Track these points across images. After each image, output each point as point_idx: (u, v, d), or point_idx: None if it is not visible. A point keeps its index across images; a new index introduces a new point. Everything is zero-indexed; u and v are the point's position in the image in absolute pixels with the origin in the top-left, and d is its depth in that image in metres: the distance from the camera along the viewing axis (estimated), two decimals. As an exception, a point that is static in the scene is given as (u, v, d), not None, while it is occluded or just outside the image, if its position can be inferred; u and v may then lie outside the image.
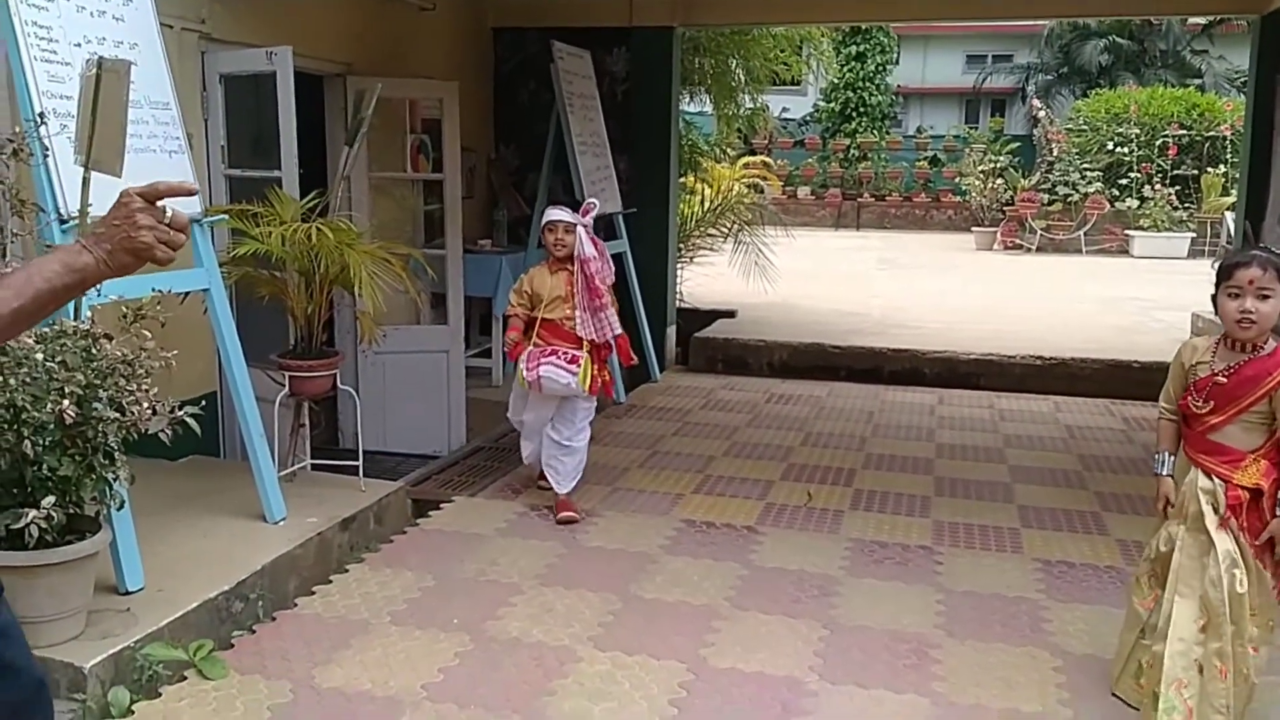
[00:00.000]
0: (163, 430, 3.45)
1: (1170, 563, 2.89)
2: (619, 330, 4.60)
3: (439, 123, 6.12)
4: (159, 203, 1.56)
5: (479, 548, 4.23)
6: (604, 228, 7.23)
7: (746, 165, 16.63)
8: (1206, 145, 18.01)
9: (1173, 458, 2.99)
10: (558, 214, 4.57)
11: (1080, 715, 3.01)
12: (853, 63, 23.78)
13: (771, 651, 3.34)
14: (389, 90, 5.50)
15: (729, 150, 14.79)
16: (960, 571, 4.05)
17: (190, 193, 1.65)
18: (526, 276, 4.69)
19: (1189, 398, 2.88)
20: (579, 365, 4.47)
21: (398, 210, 6.57)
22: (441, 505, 4.77)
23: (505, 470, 5.32)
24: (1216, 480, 2.82)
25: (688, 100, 9.93)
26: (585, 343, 4.51)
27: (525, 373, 4.46)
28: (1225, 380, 2.79)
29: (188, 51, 4.65)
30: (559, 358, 4.47)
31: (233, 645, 3.29)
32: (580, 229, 4.50)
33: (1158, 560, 2.97)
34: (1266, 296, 2.71)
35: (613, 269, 4.65)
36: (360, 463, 4.65)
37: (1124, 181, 18.05)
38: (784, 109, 24.32)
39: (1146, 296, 11.39)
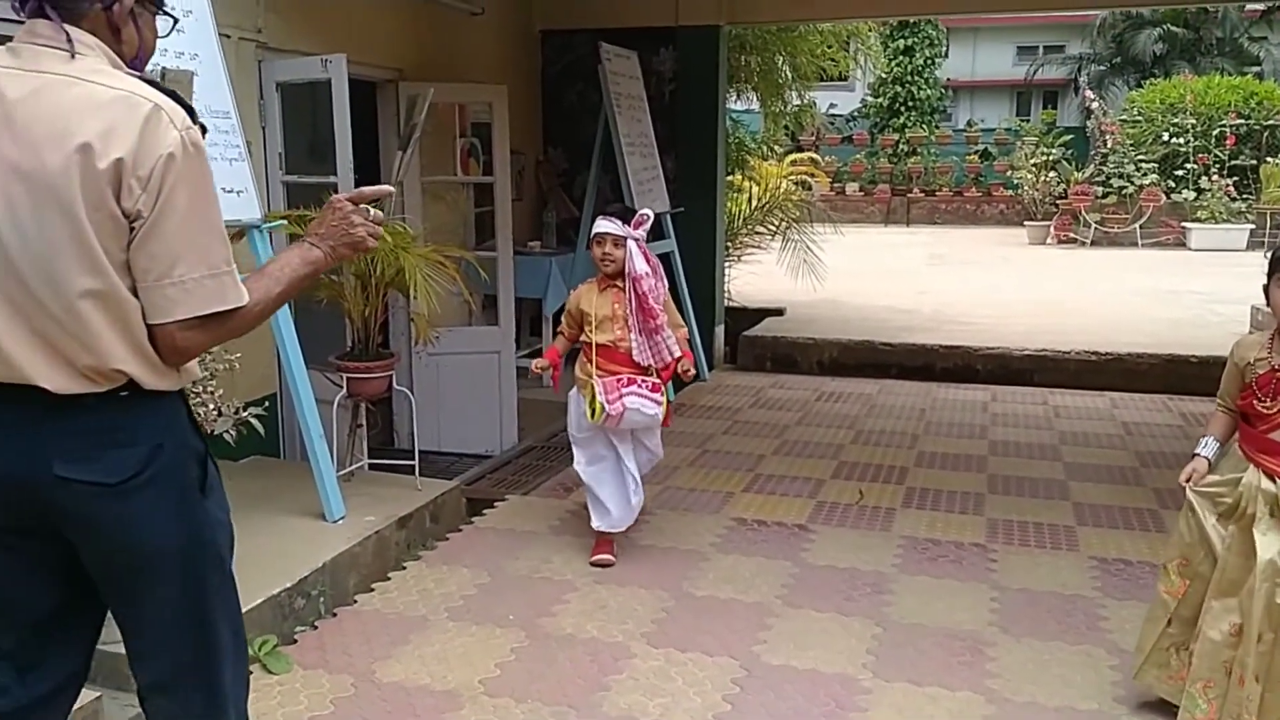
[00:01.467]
0: (227, 431, 3.56)
1: (1197, 552, 2.84)
2: (678, 352, 4.06)
3: (488, 126, 6.20)
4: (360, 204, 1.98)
5: (532, 545, 4.29)
6: (652, 227, 7.25)
7: (794, 162, 16.59)
8: (1265, 134, 17.59)
9: (1218, 444, 2.93)
10: (607, 225, 4.03)
11: (1137, 714, 2.98)
12: (901, 57, 23.59)
13: (824, 649, 3.35)
14: (440, 95, 5.59)
15: (776, 148, 14.75)
16: (1015, 569, 4.02)
17: (387, 194, 2.09)
18: (574, 295, 4.22)
19: (1252, 397, 2.80)
20: (661, 394, 4.02)
21: (449, 213, 6.66)
22: (495, 504, 4.84)
23: (557, 469, 5.38)
24: (1277, 483, 2.73)
25: (734, 98, 9.92)
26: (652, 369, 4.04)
27: (606, 405, 3.89)
28: None
29: (245, 60, 4.76)
30: (641, 387, 3.97)
31: (295, 640, 3.37)
32: (631, 243, 3.98)
33: (1187, 549, 2.89)
34: None
35: (665, 284, 4.10)
36: (416, 462, 4.74)
37: (1180, 173, 17.68)
38: (831, 105, 24.17)
39: (1204, 289, 11.16)
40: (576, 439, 4.20)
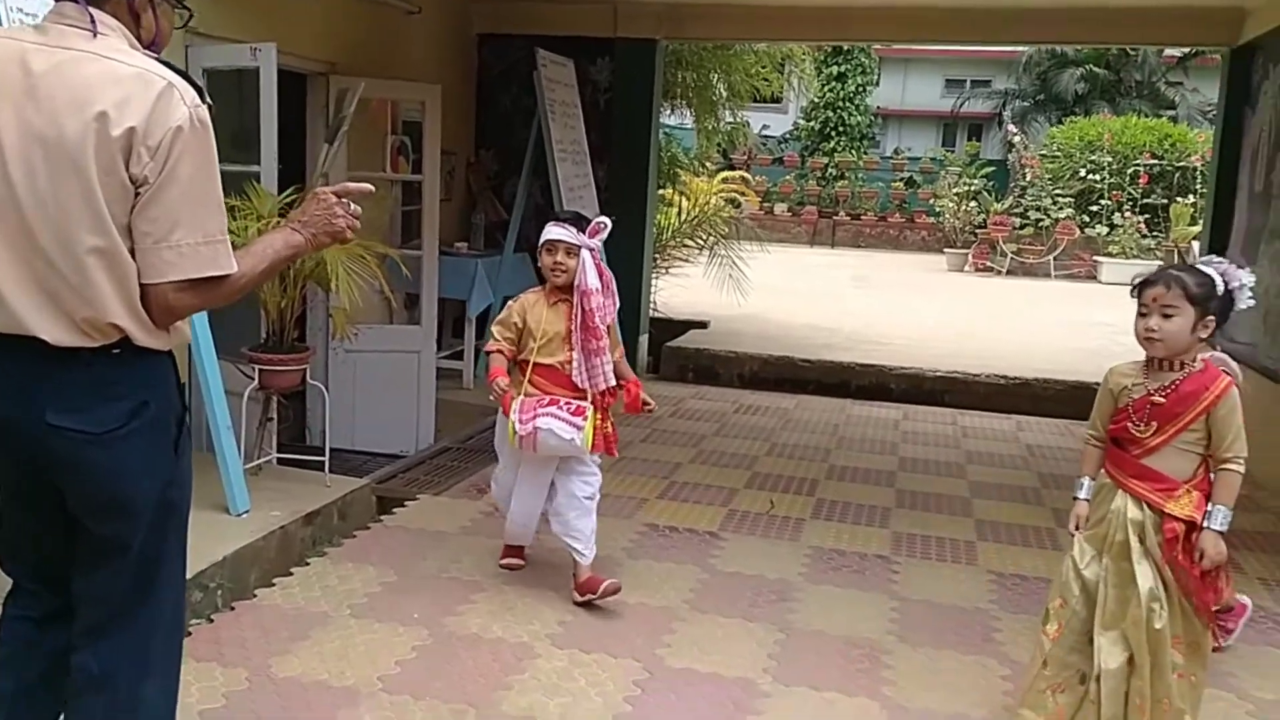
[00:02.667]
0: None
1: (1072, 591, 2.88)
2: (613, 381, 3.72)
3: (420, 125, 6.16)
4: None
5: (442, 545, 4.26)
6: (579, 235, 7.29)
7: (725, 180, 16.78)
8: (1177, 175, 18.34)
9: (1092, 483, 2.98)
10: (559, 232, 3.62)
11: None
12: (833, 82, 24.07)
13: (726, 653, 3.39)
14: (371, 91, 5.55)
15: (708, 165, 14.91)
16: (916, 581, 4.12)
17: (369, 192, 2.18)
18: (517, 305, 3.77)
19: (1127, 421, 2.85)
20: (584, 418, 3.60)
21: (375, 210, 6.58)
22: (406, 503, 4.79)
23: (472, 471, 5.35)
24: (1147, 511, 2.80)
25: (669, 113, 10.02)
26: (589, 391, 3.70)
27: (518, 426, 3.56)
28: (1164, 400, 2.79)
29: (173, 45, 4.66)
30: (561, 408, 3.61)
31: (189, 634, 3.29)
32: (585, 253, 3.59)
33: (1063, 588, 2.92)
34: (1170, 315, 2.74)
35: (616, 303, 3.76)
36: (326, 458, 4.69)
37: (1095, 208, 18.35)
38: (764, 126, 24.54)
39: (1111, 321, 11.54)
40: (497, 489, 4.02)
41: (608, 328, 3.70)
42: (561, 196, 6.82)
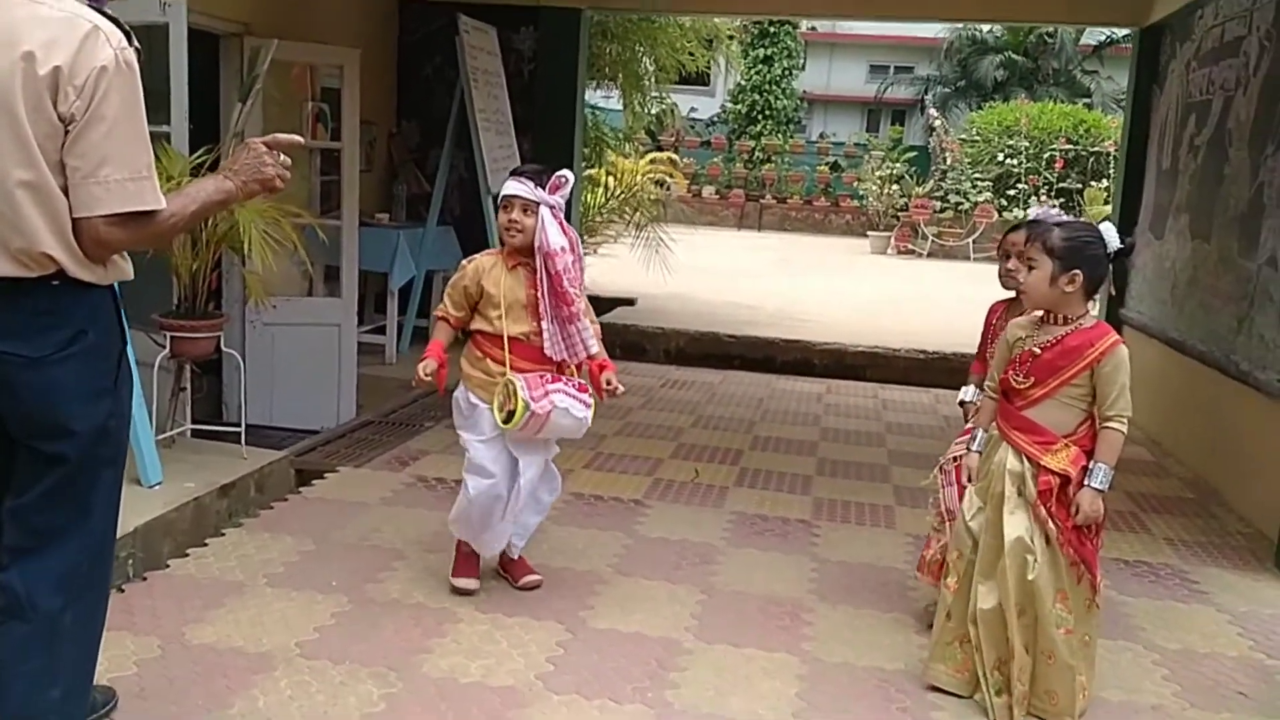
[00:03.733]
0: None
1: (965, 544, 2.96)
2: (595, 349, 3.37)
3: (339, 93, 6.02)
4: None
5: (362, 515, 4.19)
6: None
7: (653, 161, 16.80)
8: (1091, 160, 18.88)
9: (985, 435, 3.08)
10: (515, 186, 3.26)
11: (940, 674, 3.15)
12: (760, 65, 24.22)
13: (650, 614, 3.40)
14: (288, 54, 5.40)
15: (637, 146, 14.91)
16: (836, 543, 4.19)
17: (299, 144, 2.30)
18: (471, 266, 3.37)
19: (1010, 372, 2.93)
20: (590, 395, 3.34)
21: (293, 178, 6.41)
22: (326, 475, 4.70)
23: (394, 444, 5.27)
24: (1026, 463, 2.86)
25: (595, 87, 9.98)
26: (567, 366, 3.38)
27: (532, 403, 3.16)
28: (1042, 352, 2.85)
29: (73, -2, 4.49)
30: (569, 384, 3.28)
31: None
32: (545, 210, 3.23)
33: (959, 541, 3.01)
34: (1031, 267, 2.83)
35: (584, 265, 3.40)
36: (243, 429, 4.58)
37: (1012, 192, 18.80)
38: (692, 109, 24.62)
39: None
40: (473, 446, 3.39)
41: (580, 290, 3.34)
42: (486, 168, 6.75)
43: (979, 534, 2.95)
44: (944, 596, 3.06)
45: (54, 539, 2.11)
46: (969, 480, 3.08)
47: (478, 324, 3.35)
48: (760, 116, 24.27)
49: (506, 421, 3.18)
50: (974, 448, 3.10)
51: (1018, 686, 2.87)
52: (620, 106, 11.29)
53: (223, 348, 4.57)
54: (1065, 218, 3.10)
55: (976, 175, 19.10)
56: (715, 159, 22.96)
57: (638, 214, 10.80)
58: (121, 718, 2.62)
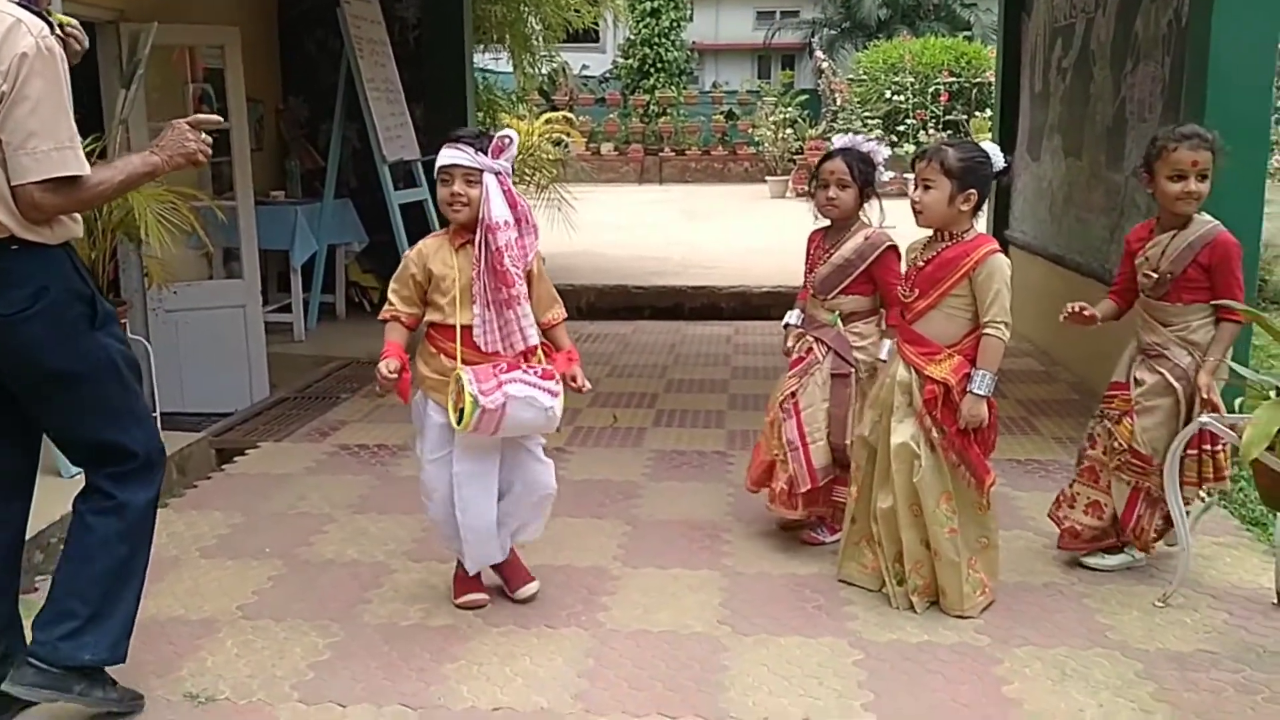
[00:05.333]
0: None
1: (862, 454, 3.20)
2: (534, 340, 2.98)
3: (221, 72, 5.95)
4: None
5: (288, 486, 4.26)
6: (403, 176, 7.22)
7: (548, 121, 16.76)
8: (974, 91, 19.40)
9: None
10: (454, 155, 2.89)
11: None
12: (648, 19, 24.21)
13: (577, 548, 3.57)
14: (167, 37, 5.31)
15: (531, 107, 14.85)
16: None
17: (220, 124, 2.64)
18: (414, 253, 3.03)
19: (899, 288, 3.16)
20: (557, 382, 2.94)
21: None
22: (247, 451, 4.75)
23: (313, 417, 5.32)
24: (913, 373, 3.06)
25: (482, 50, 9.93)
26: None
27: (481, 398, 2.77)
28: (925, 265, 3.07)
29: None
30: (528, 372, 2.89)
31: (37, 589, 3.23)
32: (489, 179, 2.88)
33: (856, 454, 3.26)
34: (929, 187, 3.03)
35: (536, 241, 3.02)
36: (157, 414, 4.57)
37: (901, 128, 19.23)
38: (584, 66, 24.51)
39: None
40: (429, 461, 3.04)
41: (528, 275, 2.97)
42: (379, 138, 6.75)
43: (875, 444, 3.18)
44: (849, 504, 3.29)
45: (98, 454, 2.50)
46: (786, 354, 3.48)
47: (430, 315, 2.99)
48: (652, 70, 24.30)
49: (459, 422, 2.81)
50: (881, 356, 3.37)
51: (915, 578, 3.12)
52: (510, 68, 11.25)
53: (128, 336, 4.54)
54: (871, 142, 3.41)
55: (866, 114, 19.48)
56: (611, 115, 22.94)
57: (538, 174, 10.82)
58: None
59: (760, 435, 3.67)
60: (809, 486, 3.43)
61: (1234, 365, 2.93)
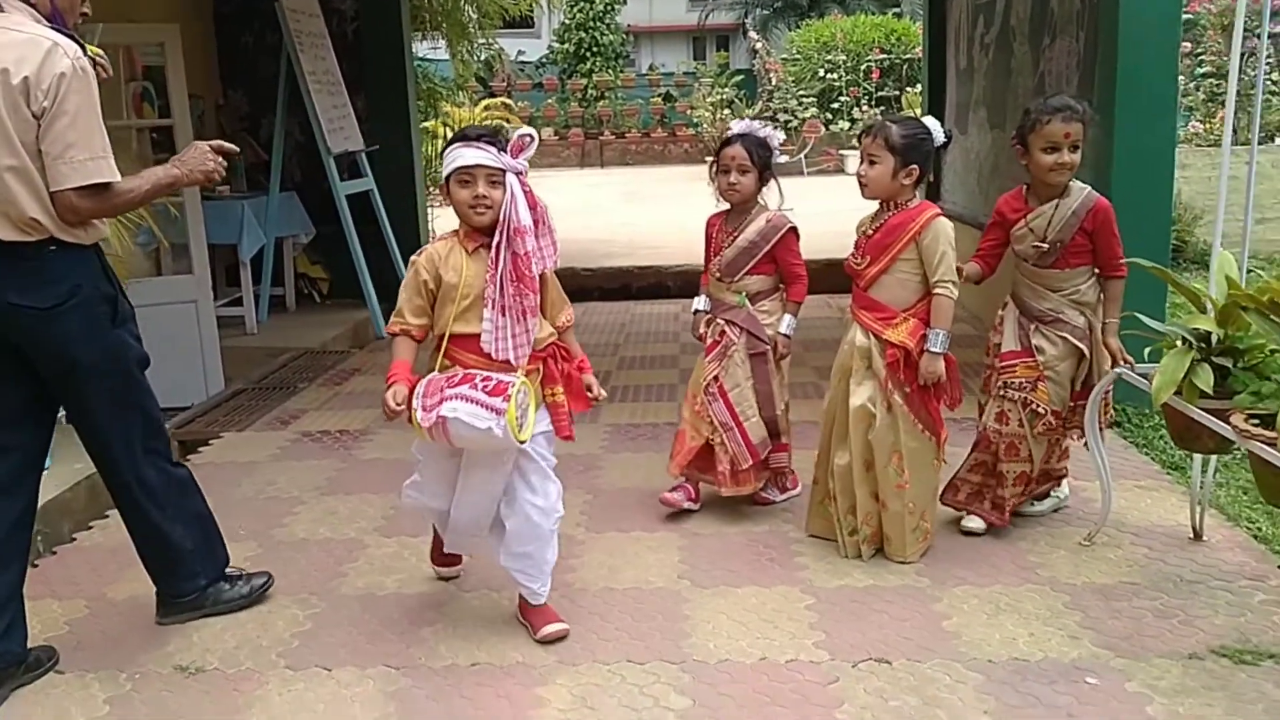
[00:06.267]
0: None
1: (827, 418, 3.41)
2: (529, 350, 2.81)
3: (161, 69, 5.96)
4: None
5: (255, 472, 4.36)
6: (348, 166, 7.28)
7: (487, 108, 16.78)
8: (905, 67, 19.78)
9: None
10: (475, 154, 2.72)
11: (807, 538, 3.60)
12: (582, 3, 24.22)
13: (542, 517, 3.73)
14: (109, 36, 5.30)
15: (470, 94, 14.87)
16: (703, 438, 4.60)
17: (234, 153, 2.93)
18: (423, 258, 2.82)
19: (851, 258, 3.36)
20: (505, 398, 2.64)
21: (124, 160, 6.27)
22: (210, 442, 4.83)
23: (272, 406, 5.41)
24: (872, 339, 3.26)
25: (420, 39, 9.97)
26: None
27: (419, 415, 2.67)
28: (874, 233, 3.27)
29: None
30: (475, 386, 2.68)
31: (37, 565, 3.34)
32: (512, 179, 2.73)
33: (823, 416, 3.46)
34: (874, 162, 3.22)
35: (556, 245, 2.85)
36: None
37: (836, 105, 19.56)
38: (520, 52, 24.50)
39: (859, 205, 12.59)
40: (419, 502, 3.02)
41: (541, 278, 2.82)
42: (323, 129, 6.80)
43: (835, 409, 3.37)
44: (815, 469, 3.50)
45: (111, 445, 2.83)
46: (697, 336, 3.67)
47: (441, 327, 2.81)
48: (589, 54, 24.34)
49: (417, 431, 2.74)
50: (782, 330, 3.65)
51: (864, 529, 3.34)
52: (448, 56, 11.30)
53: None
54: (768, 128, 3.55)
55: (801, 93, 19.77)
56: (549, 100, 22.96)
57: (480, 162, 10.92)
58: (67, 668, 2.81)
59: (683, 423, 3.74)
60: (751, 462, 3.61)
61: (1145, 319, 3.14)
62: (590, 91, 23.14)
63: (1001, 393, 3.42)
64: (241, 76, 7.79)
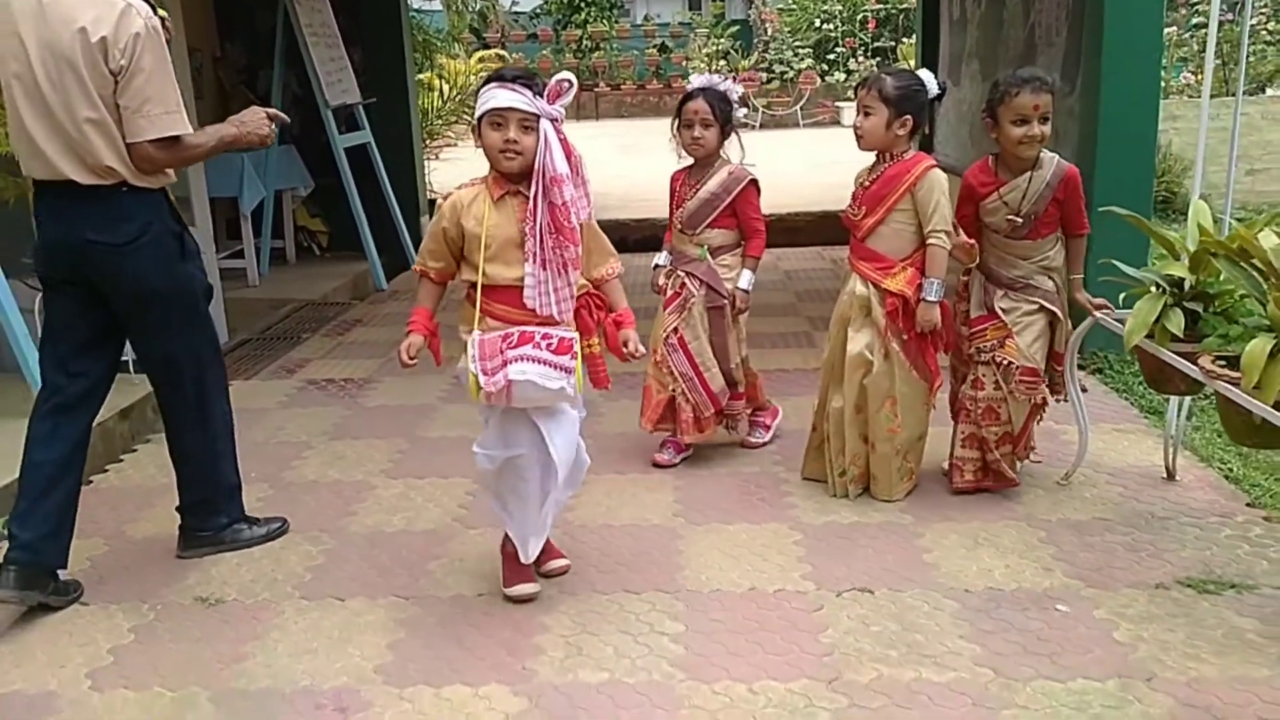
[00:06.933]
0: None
1: (827, 365, 3.52)
2: (569, 307, 2.75)
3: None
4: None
5: (264, 419, 4.50)
6: (345, 119, 7.34)
7: (481, 60, 16.71)
8: (900, 17, 19.67)
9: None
10: (510, 97, 2.61)
11: (792, 467, 3.75)
12: (576, -48, 23.94)
13: (542, 460, 3.88)
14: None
15: (465, 46, 14.81)
16: (697, 385, 4.74)
17: (285, 122, 3.20)
18: (447, 205, 2.76)
19: (848, 209, 3.45)
20: (573, 355, 2.64)
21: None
22: (219, 390, 4.95)
23: (277, 356, 5.53)
24: (871, 288, 3.36)
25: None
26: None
27: (481, 379, 2.59)
28: (870, 185, 3.37)
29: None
30: (540, 346, 2.63)
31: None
32: (546, 125, 2.61)
33: (823, 363, 3.56)
34: (868, 114, 3.30)
35: (590, 195, 2.73)
36: (131, 358, 4.74)
37: (831, 56, 19.49)
38: (514, 3, 24.26)
39: (854, 158, 12.62)
40: (486, 414, 2.84)
41: (584, 227, 2.71)
42: (321, 82, 6.85)
43: (835, 357, 3.49)
44: (815, 412, 3.62)
45: (176, 370, 3.08)
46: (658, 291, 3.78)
47: (466, 274, 2.75)
48: (583, 4, 24.08)
49: (474, 394, 2.64)
50: (741, 285, 3.72)
51: (852, 469, 3.49)
52: (442, 7, 11.27)
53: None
54: (728, 81, 3.60)
55: (797, 44, 19.68)
56: (544, 51, 22.81)
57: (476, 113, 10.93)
58: (91, 600, 2.97)
59: (647, 377, 3.81)
60: (713, 410, 3.75)
61: (1121, 265, 3.25)
62: (585, 43, 22.98)
63: (975, 358, 3.43)
64: (239, 29, 7.80)
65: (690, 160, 3.75)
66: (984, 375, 3.42)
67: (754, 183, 3.70)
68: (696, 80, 3.71)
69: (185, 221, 3.06)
